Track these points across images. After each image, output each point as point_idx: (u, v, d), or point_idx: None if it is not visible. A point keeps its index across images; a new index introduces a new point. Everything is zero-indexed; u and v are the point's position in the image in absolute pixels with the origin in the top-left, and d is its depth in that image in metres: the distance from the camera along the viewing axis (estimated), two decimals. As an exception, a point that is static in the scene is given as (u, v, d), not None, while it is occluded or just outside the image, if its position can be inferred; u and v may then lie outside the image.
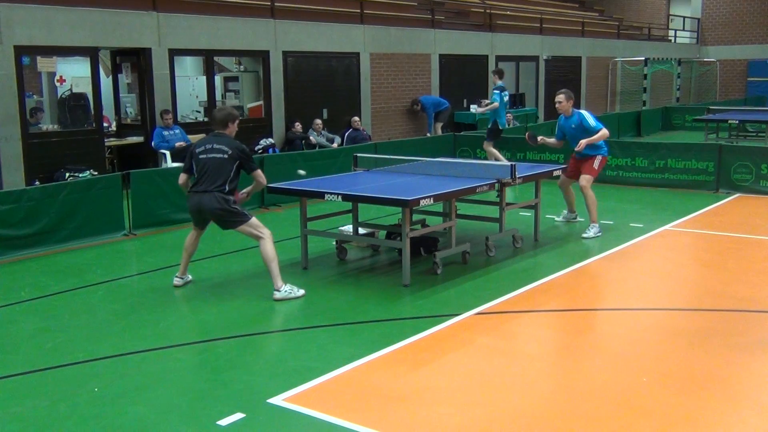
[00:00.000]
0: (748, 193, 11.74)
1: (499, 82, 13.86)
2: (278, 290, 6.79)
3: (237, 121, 7.08)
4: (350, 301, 6.80)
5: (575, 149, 9.26)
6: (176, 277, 7.29)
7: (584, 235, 9.08)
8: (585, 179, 9.20)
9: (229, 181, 6.79)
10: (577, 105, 10.18)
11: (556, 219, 10.04)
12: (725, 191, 11.94)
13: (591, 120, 9.23)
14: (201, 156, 6.84)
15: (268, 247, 6.79)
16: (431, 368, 5.31)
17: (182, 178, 7.08)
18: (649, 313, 6.57)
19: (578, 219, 9.87)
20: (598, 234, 9.09)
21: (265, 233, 6.82)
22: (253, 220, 6.87)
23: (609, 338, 5.99)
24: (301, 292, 6.88)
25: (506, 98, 13.94)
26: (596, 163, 9.23)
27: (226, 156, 6.77)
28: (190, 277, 7.40)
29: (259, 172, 6.92)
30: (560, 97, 9.36)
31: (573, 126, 9.28)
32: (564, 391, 4.90)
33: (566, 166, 9.55)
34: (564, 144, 9.76)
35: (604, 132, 9.12)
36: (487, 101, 14.88)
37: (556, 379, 5.11)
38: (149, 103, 13.27)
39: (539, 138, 9.68)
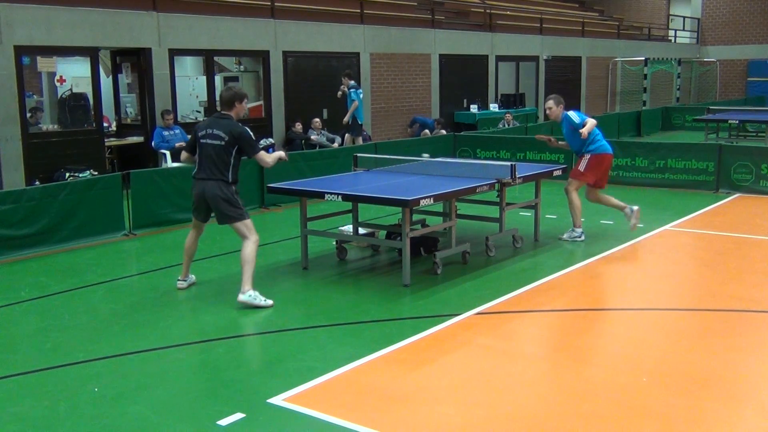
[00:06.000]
0: (748, 193, 11.74)
1: (352, 82, 14.89)
2: (243, 293, 6.56)
3: (245, 101, 6.84)
4: (350, 301, 6.80)
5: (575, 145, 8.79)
6: (179, 280, 7.17)
7: (560, 237, 8.90)
8: (568, 182, 8.86)
9: (231, 170, 6.61)
10: (577, 105, 9.98)
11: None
12: (725, 191, 11.94)
13: (576, 117, 8.62)
14: (201, 140, 6.64)
15: (252, 248, 6.61)
16: (431, 368, 5.31)
17: (183, 155, 6.95)
18: (649, 313, 6.57)
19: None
20: (577, 238, 8.79)
21: (254, 237, 6.66)
22: (249, 220, 6.73)
23: (609, 338, 5.99)
24: (269, 302, 6.59)
25: (362, 95, 15.19)
26: (582, 164, 8.73)
27: (222, 143, 6.54)
28: (193, 278, 7.31)
29: (261, 155, 6.64)
30: (549, 103, 8.81)
31: (565, 131, 8.81)
32: (564, 391, 4.90)
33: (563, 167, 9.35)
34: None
35: (591, 121, 8.53)
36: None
37: (556, 379, 5.11)
38: (149, 103, 13.27)
39: (548, 138, 9.25)
